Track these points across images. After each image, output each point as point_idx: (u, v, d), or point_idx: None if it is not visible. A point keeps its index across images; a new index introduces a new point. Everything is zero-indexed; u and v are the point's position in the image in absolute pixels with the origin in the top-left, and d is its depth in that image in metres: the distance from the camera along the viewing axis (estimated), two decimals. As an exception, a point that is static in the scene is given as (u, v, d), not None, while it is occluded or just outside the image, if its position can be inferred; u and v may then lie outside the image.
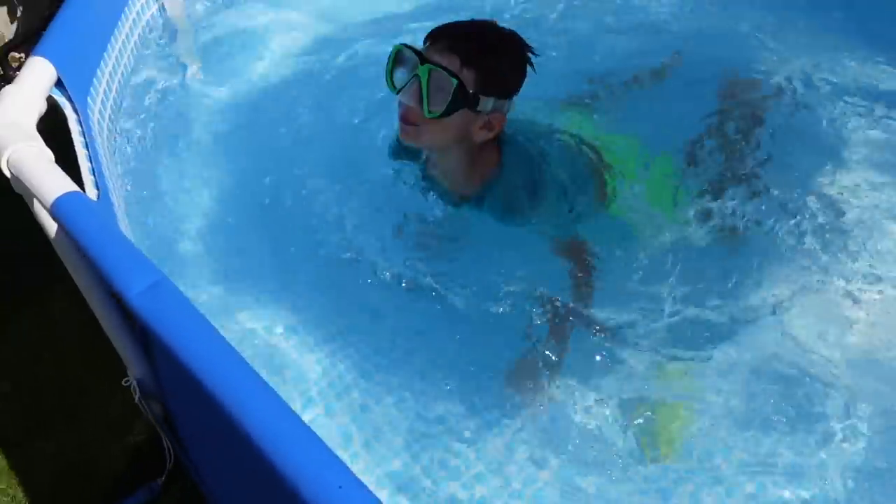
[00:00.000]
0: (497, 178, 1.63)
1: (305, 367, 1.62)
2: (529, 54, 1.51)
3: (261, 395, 0.81)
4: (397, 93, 1.47)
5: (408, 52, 1.46)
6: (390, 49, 1.48)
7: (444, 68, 1.41)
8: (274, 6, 2.49)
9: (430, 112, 1.44)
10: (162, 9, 2.12)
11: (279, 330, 1.70)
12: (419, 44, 1.50)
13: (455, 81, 1.40)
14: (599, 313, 1.63)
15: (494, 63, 1.47)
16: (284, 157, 2.02)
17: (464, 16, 1.60)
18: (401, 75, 1.47)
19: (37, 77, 1.39)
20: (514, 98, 1.54)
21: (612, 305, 1.65)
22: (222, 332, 0.89)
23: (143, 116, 1.93)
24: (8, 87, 1.35)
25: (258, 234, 1.88)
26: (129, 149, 1.85)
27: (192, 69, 2.20)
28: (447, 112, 1.43)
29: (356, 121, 2.08)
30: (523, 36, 1.52)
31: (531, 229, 1.70)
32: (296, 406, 1.51)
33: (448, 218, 1.74)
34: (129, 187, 1.77)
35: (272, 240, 1.86)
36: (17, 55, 3.39)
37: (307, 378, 1.60)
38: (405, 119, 1.50)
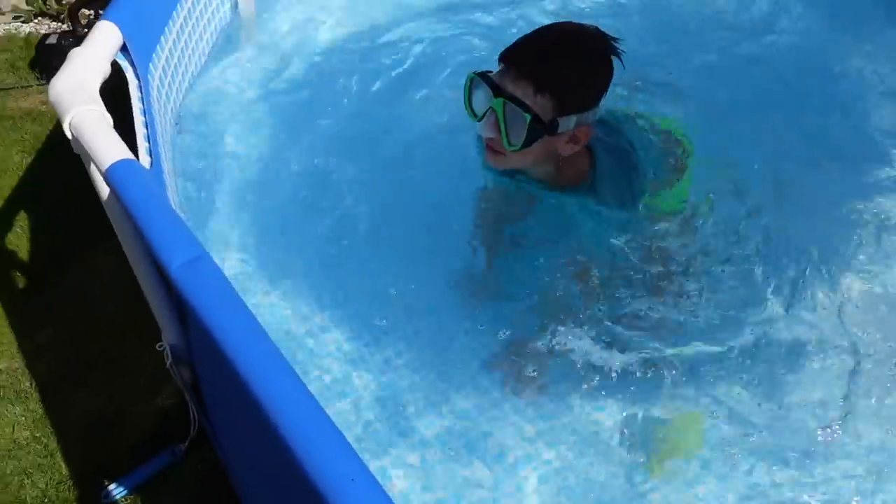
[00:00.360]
0: (592, 179, 1.57)
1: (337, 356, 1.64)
2: (615, 45, 1.42)
3: (284, 379, 0.82)
4: (477, 121, 1.44)
5: (481, 82, 1.41)
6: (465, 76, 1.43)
7: (517, 100, 1.36)
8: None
9: (510, 145, 1.40)
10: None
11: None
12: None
13: (528, 117, 1.35)
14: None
15: (571, 80, 1.39)
16: (339, 140, 2.03)
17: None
18: (479, 104, 1.43)
19: (103, 41, 1.42)
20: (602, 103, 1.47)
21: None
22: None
23: (200, 86, 1.97)
24: (76, 50, 1.39)
25: (304, 212, 1.90)
26: (185, 117, 1.89)
27: (252, 40, 2.23)
28: (526, 144, 1.39)
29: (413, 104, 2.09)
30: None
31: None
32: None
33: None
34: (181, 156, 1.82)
35: (321, 220, 1.88)
36: (86, 12, 3.48)
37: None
38: (490, 147, 1.47)
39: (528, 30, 1.46)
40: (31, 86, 3.04)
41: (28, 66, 3.14)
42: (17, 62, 3.18)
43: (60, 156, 2.62)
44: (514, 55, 1.40)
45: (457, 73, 2.16)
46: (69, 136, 1.22)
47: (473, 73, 1.43)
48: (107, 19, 1.47)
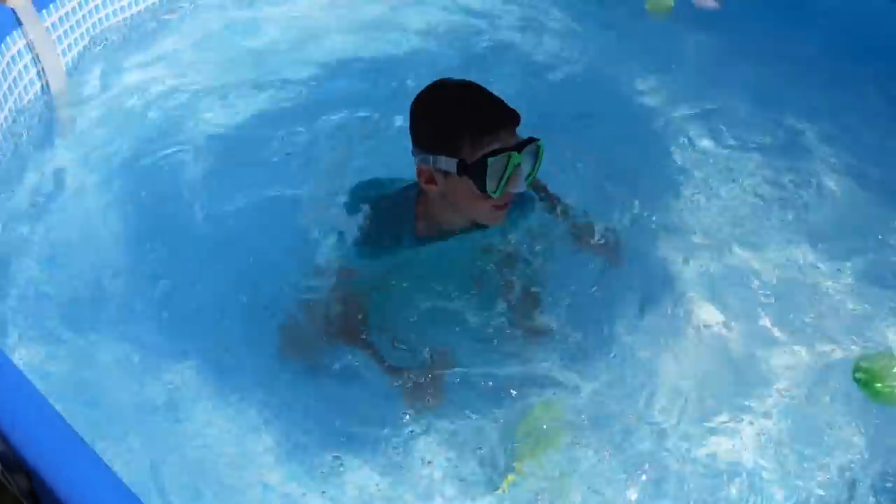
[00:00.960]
0: None
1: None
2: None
3: (75, 459, 0.75)
4: (511, 191, 1.51)
5: (527, 150, 1.50)
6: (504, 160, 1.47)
7: (529, 139, 1.51)
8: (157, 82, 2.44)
9: (531, 178, 1.54)
10: (41, 76, 2.05)
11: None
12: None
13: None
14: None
15: None
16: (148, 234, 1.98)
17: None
18: (528, 165, 1.52)
19: None
20: None
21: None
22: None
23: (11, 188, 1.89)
24: None
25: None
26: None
27: (66, 139, 2.13)
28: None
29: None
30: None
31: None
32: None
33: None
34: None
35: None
36: None
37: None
38: (505, 206, 1.57)
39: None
40: None
41: None
42: None
43: None
44: (510, 115, 1.51)
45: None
46: None
47: (514, 153, 1.48)
48: None
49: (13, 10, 1.95)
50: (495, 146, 1.48)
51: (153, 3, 2.53)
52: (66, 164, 2.08)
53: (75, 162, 2.09)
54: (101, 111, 2.24)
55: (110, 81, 2.36)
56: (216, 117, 2.32)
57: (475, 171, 1.49)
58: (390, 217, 1.74)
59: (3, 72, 1.88)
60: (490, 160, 1.47)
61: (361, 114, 2.33)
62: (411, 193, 1.72)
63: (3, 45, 1.89)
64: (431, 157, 1.53)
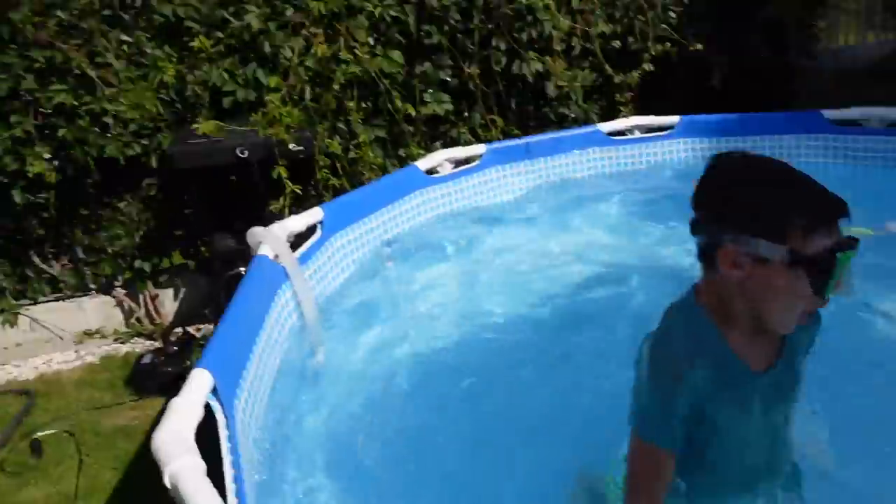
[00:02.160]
0: None
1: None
2: None
3: None
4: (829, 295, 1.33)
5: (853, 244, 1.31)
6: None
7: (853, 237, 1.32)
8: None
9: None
10: (299, 315, 2.48)
11: None
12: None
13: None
14: None
15: None
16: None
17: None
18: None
19: (198, 388, 1.64)
20: None
21: None
22: None
23: (276, 414, 2.13)
24: (175, 400, 1.60)
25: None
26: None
27: (318, 361, 2.49)
28: None
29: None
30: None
31: None
32: None
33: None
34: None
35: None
36: (177, 331, 3.94)
37: None
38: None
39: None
40: (125, 402, 3.36)
41: (124, 384, 3.51)
42: (114, 381, 3.55)
43: (151, 472, 2.80)
44: (843, 205, 1.31)
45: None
46: (167, 485, 1.39)
47: (851, 251, 1.30)
48: (201, 367, 1.72)
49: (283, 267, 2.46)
50: (832, 240, 1.29)
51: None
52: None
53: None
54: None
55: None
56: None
57: (816, 266, 1.29)
58: (679, 333, 1.45)
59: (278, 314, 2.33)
60: (839, 255, 1.28)
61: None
62: (687, 300, 1.47)
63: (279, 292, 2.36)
64: (744, 239, 1.33)
